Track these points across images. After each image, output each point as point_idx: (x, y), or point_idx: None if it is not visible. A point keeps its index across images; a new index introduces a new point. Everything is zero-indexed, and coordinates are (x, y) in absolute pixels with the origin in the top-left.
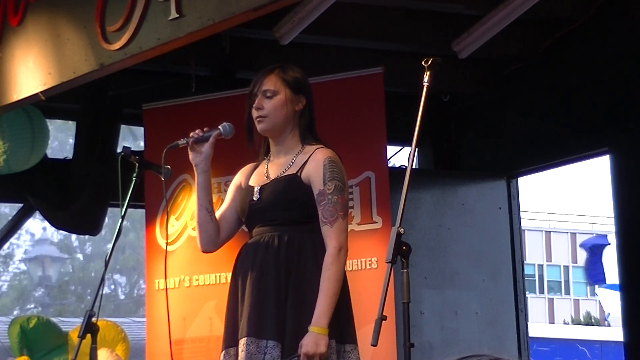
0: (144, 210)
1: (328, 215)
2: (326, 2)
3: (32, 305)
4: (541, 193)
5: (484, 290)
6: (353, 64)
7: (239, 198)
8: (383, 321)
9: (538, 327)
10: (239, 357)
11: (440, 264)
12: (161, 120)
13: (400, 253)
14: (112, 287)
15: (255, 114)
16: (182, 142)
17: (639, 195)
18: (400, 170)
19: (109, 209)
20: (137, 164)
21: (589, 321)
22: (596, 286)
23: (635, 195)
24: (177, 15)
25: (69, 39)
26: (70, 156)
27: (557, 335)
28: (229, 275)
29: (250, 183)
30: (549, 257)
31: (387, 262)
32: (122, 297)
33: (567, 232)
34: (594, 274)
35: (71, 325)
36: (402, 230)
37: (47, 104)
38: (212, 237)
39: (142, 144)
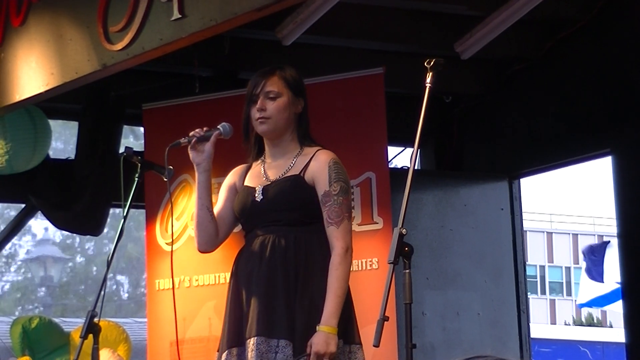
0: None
1: (334, 216)
2: (329, 2)
3: (34, 306)
4: (543, 194)
5: (486, 291)
6: (355, 65)
7: (234, 198)
8: (385, 322)
9: (539, 328)
10: (249, 357)
11: (442, 264)
12: (161, 120)
13: (403, 254)
14: (114, 287)
15: (257, 115)
16: (183, 140)
17: None
18: (402, 171)
19: (111, 209)
20: (139, 164)
21: (590, 322)
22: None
23: (638, 197)
24: (180, 16)
25: (72, 39)
26: (72, 156)
27: (559, 337)
28: (228, 275)
29: (248, 184)
30: (550, 258)
31: (390, 263)
32: (125, 297)
33: (569, 233)
34: (593, 272)
35: (73, 325)
36: (404, 231)
37: (50, 104)
38: (211, 236)
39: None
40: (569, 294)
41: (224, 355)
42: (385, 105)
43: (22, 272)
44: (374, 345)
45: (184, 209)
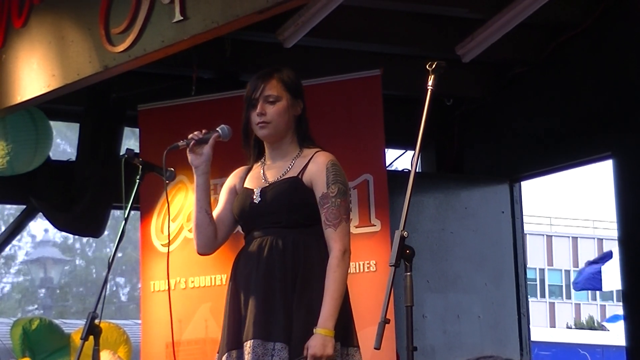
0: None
1: (332, 218)
2: (330, 5)
3: (34, 307)
4: (543, 197)
5: (487, 294)
6: (356, 67)
7: (234, 201)
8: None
9: (539, 331)
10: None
11: (443, 267)
12: (157, 121)
13: (404, 256)
14: (114, 289)
15: (257, 119)
16: (182, 143)
17: None
18: (400, 173)
19: (111, 211)
20: (140, 166)
21: (591, 325)
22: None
23: (639, 200)
24: (182, 18)
25: (73, 41)
26: (74, 157)
27: (559, 340)
28: (225, 277)
29: (247, 186)
30: (550, 262)
31: (391, 266)
32: (124, 299)
33: (569, 237)
34: (590, 279)
35: (73, 327)
36: (405, 233)
37: (51, 105)
38: (210, 239)
39: None
40: (569, 297)
41: (223, 358)
42: (384, 107)
43: (22, 274)
44: (375, 348)
45: (180, 210)
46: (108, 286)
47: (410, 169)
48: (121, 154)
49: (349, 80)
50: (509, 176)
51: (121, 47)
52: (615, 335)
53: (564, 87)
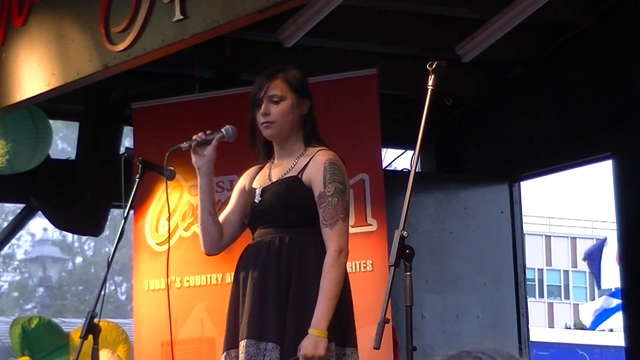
0: None
1: (328, 217)
2: (330, 5)
3: (32, 306)
4: (541, 197)
5: (486, 294)
6: (356, 67)
7: (242, 201)
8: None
9: (538, 331)
10: (240, 359)
11: (442, 267)
12: (151, 119)
13: (404, 256)
14: (112, 288)
15: (261, 119)
16: (184, 145)
17: None
18: (399, 173)
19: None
20: (140, 165)
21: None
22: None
23: (638, 200)
24: (182, 17)
25: (73, 40)
26: (73, 156)
27: (557, 340)
28: (220, 276)
29: (254, 185)
30: (548, 262)
31: (391, 266)
32: (122, 298)
33: (567, 237)
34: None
35: (72, 325)
36: (405, 233)
37: (51, 104)
38: (215, 240)
39: None
40: (567, 297)
41: (222, 357)
42: (384, 107)
43: (21, 272)
44: (374, 348)
45: (175, 209)
46: (107, 285)
47: (409, 168)
48: (121, 153)
49: (345, 79)
50: (508, 176)
51: (121, 46)
52: (614, 335)
53: (563, 87)
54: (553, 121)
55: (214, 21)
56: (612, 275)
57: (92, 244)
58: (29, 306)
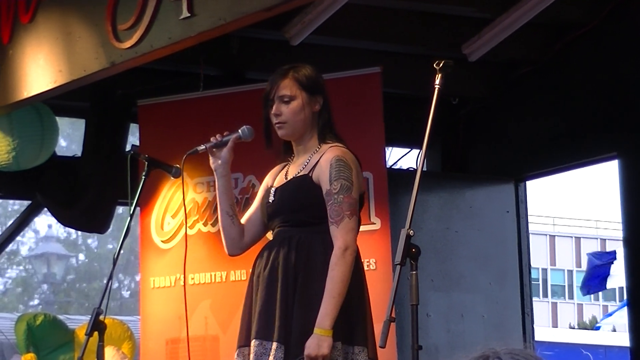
0: None
1: (334, 215)
2: (337, 3)
3: (36, 302)
4: (546, 197)
5: (490, 294)
6: (363, 66)
7: (263, 201)
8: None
9: (542, 331)
10: (250, 359)
11: (447, 266)
12: (156, 116)
13: (410, 255)
14: (116, 285)
15: (274, 120)
16: (201, 148)
17: None
18: (404, 172)
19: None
20: (146, 163)
21: (594, 325)
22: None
23: None
24: (189, 15)
25: (80, 37)
26: (77, 154)
27: (561, 340)
28: (224, 274)
29: (275, 184)
30: (553, 262)
31: (397, 264)
32: (126, 295)
33: (572, 237)
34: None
35: (76, 322)
36: (411, 232)
37: (57, 101)
38: (235, 240)
39: None
40: (571, 297)
41: (235, 354)
42: (390, 106)
43: (25, 269)
44: (380, 346)
45: (180, 206)
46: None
47: (414, 167)
48: (127, 150)
49: (348, 77)
50: (514, 176)
51: (128, 44)
52: (618, 335)
53: (569, 86)
54: (559, 121)
55: (221, 19)
56: (616, 274)
57: (97, 241)
58: (33, 303)
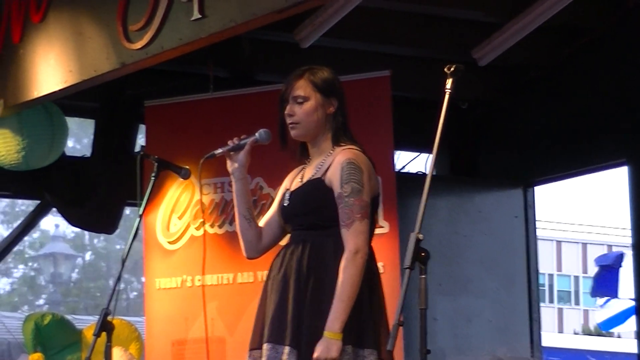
0: None
1: (345, 218)
2: (347, 6)
3: (42, 302)
4: (553, 202)
5: (498, 298)
6: (372, 69)
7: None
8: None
9: (548, 336)
10: None
11: (455, 271)
12: (163, 117)
13: (419, 259)
14: (122, 286)
15: (287, 120)
16: (218, 151)
17: None
18: (412, 175)
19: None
20: (155, 164)
21: (599, 332)
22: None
23: None
24: (200, 16)
25: (91, 37)
26: (85, 154)
27: (567, 345)
28: (231, 276)
29: (291, 187)
30: (559, 267)
31: (406, 268)
32: (132, 296)
33: (579, 243)
34: (604, 288)
35: (82, 322)
36: (421, 236)
37: (67, 101)
38: (252, 243)
39: None
40: (577, 303)
41: (246, 356)
42: (394, 109)
43: (32, 269)
44: (388, 350)
45: (186, 208)
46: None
47: (422, 171)
48: (136, 150)
49: (357, 80)
50: (522, 181)
51: (139, 44)
52: (624, 342)
53: (579, 92)
54: (568, 126)
55: (232, 20)
56: (629, 284)
57: (104, 241)
58: (39, 302)
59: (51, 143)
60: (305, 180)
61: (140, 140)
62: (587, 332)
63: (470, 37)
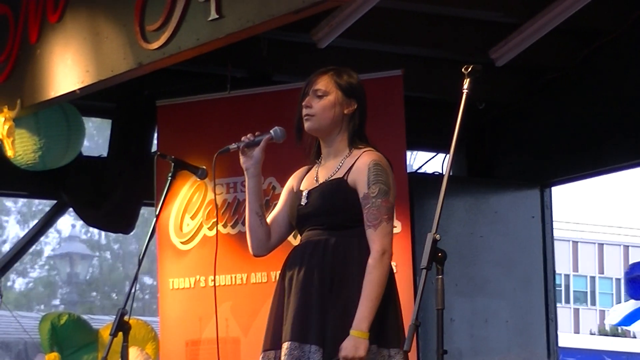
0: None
1: (372, 218)
2: (364, 6)
3: (58, 302)
4: (569, 203)
5: (515, 299)
6: (390, 69)
7: (290, 202)
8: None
9: (564, 337)
10: None
11: (472, 271)
12: (175, 117)
13: (436, 259)
14: (137, 286)
15: (303, 112)
16: (233, 146)
17: None
18: (428, 176)
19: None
20: (172, 164)
21: (615, 332)
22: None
23: None
24: (217, 16)
25: (108, 37)
26: (105, 154)
27: (584, 346)
28: (245, 276)
29: (301, 187)
30: (575, 267)
31: (422, 269)
32: (147, 296)
33: (595, 243)
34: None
35: (99, 322)
36: (438, 236)
37: (84, 102)
38: (262, 241)
39: None
40: (593, 303)
41: (260, 358)
42: (410, 110)
43: (48, 269)
44: (405, 350)
45: (199, 208)
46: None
47: (439, 171)
48: (152, 151)
49: (369, 80)
50: (539, 181)
51: (156, 45)
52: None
53: (596, 93)
54: (585, 127)
55: (249, 21)
56: None
57: (120, 241)
58: (56, 302)
59: (68, 143)
60: (322, 180)
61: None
62: (603, 332)
63: (488, 37)
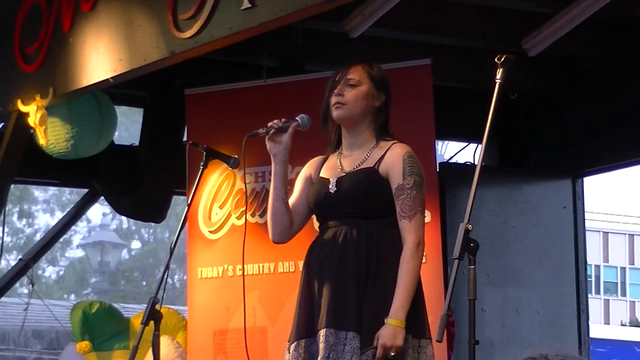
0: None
1: (407, 209)
2: None
3: (89, 291)
4: (600, 193)
5: (546, 290)
6: (421, 59)
7: (310, 190)
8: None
9: (594, 327)
10: (320, 349)
11: (503, 261)
12: (204, 105)
13: (468, 250)
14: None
15: (334, 100)
16: (261, 131)
17: None
18: (459, 165)
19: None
20: (204, 153)
21: None
22: None
23: None
24: (250, 5)
25: (141, 26)
26: (136, 143)
27: (614, 337)
28: (272, 265)
29: (323, 175)
30: (606, 258)
31: (455, 259)
32: (178, 285)
33: (625, 234)
34: None
35: (130, 311)
36: (470, 226)
37: (116, 90)
38: (286, 228)
39: None
40: (624, 294)
41: (292, 347)
42: (442, 99)
43: (79, 257)
44: (437, 341)
45: (227, 198)
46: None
47: (470, 162)
48: (184, 139)
49: (398, 69)
50: (571, 172)
51: (188, 33)
52: None
53: (629, 83)
54: (618, 117)
55: (282, 10)
56: None
57: (151, 230)
58: (87, 291)
59: (100, 132)
60: (348, 169)
61: None
62: (634, 323)
63: (521, 27)
